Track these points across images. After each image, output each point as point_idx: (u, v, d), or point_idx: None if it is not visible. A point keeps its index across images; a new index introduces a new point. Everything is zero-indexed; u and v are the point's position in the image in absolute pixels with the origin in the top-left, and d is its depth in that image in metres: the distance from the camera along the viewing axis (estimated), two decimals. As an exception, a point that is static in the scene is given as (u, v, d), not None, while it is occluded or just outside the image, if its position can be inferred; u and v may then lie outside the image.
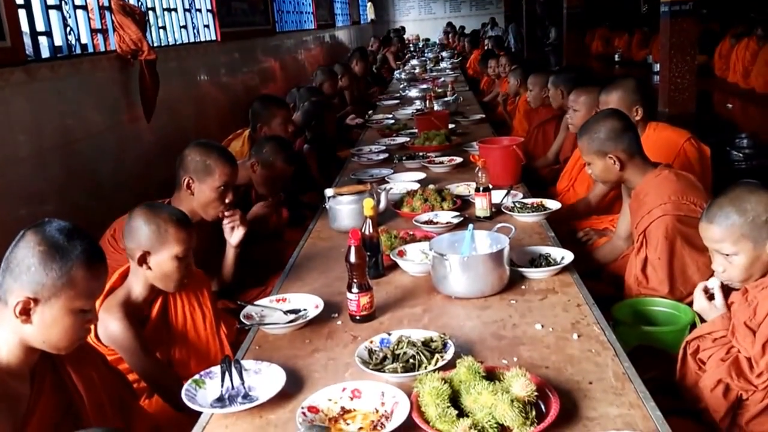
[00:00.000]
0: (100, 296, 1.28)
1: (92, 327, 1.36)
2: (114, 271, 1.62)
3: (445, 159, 3.17)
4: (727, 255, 1.45)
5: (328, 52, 8.74)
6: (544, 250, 1.88)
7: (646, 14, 12.41)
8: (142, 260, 1.55)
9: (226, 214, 2.04)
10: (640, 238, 1.93)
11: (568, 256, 1.82)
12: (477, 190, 2.29)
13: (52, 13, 2.77)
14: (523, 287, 1.72)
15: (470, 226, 1.81)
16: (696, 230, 1.58)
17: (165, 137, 3.46)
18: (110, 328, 1.52)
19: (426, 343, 1.39)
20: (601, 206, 2.56)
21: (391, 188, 2.53)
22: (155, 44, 3.70)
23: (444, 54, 10.05)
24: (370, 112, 5.28)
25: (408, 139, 3.68)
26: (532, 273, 1.76)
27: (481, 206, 2.29)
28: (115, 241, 1.96)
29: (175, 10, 4.07)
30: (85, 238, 1.18)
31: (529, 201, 2.36)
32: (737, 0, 10.61)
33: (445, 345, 1.39)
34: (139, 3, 3.57)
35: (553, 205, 2.30)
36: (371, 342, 1.43)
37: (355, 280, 1.57)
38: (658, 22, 6.45)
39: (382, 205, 2.31)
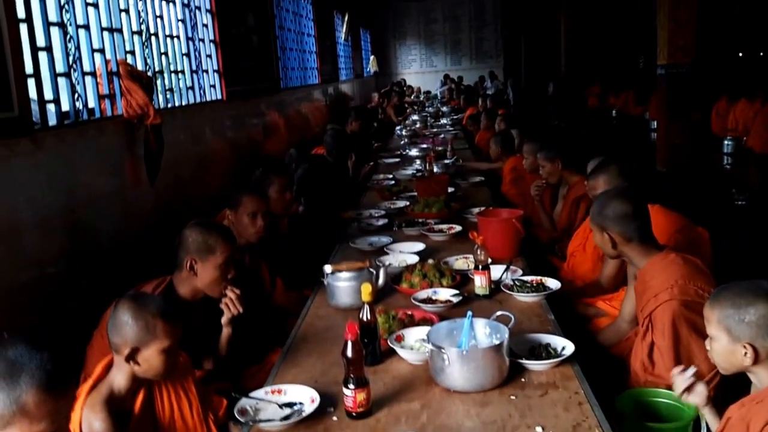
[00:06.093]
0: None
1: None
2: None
3: (444, 227, 3.17)
4: (710, 337, 1.52)
5: (331, 105, 8.91)
6: (545, 339, 1.85)
7: (642, 71, 12.72)
8: (130, 356, 1.52)
9: (226, 292, 2.03)
10: (646, 322, 1.91)
11: (568, 347, 1.79)
12: (476, 268, 2.28)
13: (61, 80, 2.81)
14: (523, 380, 1.69)
15: (469, 314, 1.79)
16: (702, 317, 1.58)
17: (168, 198, 3.49)
18: (94, 427, 1.48)
19: (423, 449, 1.35)
20: (612, 286, 2.54)
21: (389, 264, 2.53)
22: (161, 106, 3.78)
23: (444, 109, 10.23)
24: (370, 164, 5.30)
25: (408, 203, 3.70)
26: (532, 365, 1.73)
27: (480, 284, 2.27)
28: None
29: (183, 72, 4.17)
30: (45, 357, 1.09)
31: (528, 279, 2.35)
32: (734, 60, 10.89)
33: (443, 451, 1.35)
34: (147, 67, 3.66)
35: (553, 284, 2.29)
36: (367, 445, 1.39)
37: (351, 376, 1.54)
38: (655, 79, 6.62)
39: (381, 281, 2.30)
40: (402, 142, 6.75)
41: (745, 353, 1.42)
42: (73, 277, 2.55)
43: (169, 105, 3.93)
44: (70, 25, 2.83)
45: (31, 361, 1.08)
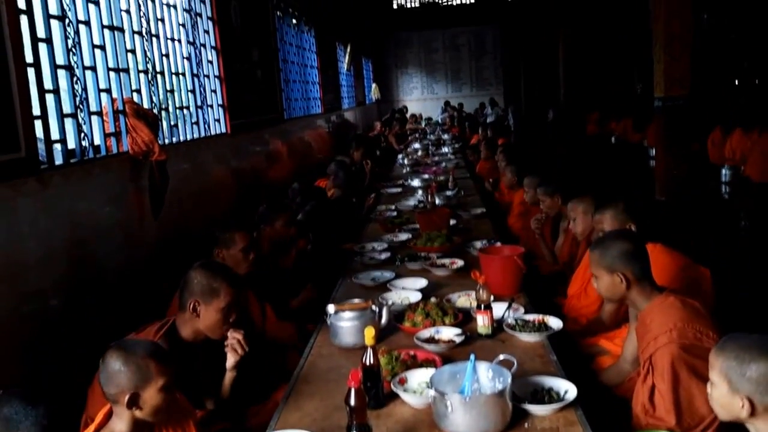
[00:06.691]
0: None
1: None
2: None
3: (446, 261, 3.18)
4: (711, 382, 1.53)
5: (333, 132, 9.01)
6: (548, 382, 1.85)
7: (640, 98, 12.85)
8: (132, 402, 1.52)
9: (228, 335, 2.03)
10: (647, 365, 1.91)
11: (571, 390, 1.78)
12: (478, 307, 2.28)
13: (67, 120, 2.85)
14: (526, 425, 1.68)
15: (472, 357, 1.79)
16: (702, 360, 1.59)
17: (171, 231, 3.51)
18: None
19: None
20: (614, 323, 2.54)
21: (392, 303, 2.53)
22: (166, 141, 3.83)
23: (445, 137, 10.32)
24: (373, 196, 5.36)
25: (410, 236, 3.72)
26: (535, 409, 1.73)
27: (482, 324, 2.28)
28: None
29: (188, 107, 4.23)
30: (41, 412, 1.10)
31: (530, 317, 2.35)
32: (730, 88, 11.01)
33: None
34: (153, 104, 3.72)
35: (555, 323, 2.29)
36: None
37: (354, 423, 1.54)
38: (653, 109, 6.69)
39: (384, 320, 2.31)
40: (404, 171, 6.80)
41: (742, 405, 1.43)
42: (80, 315, 2.56)
43: (174, 140, 3.98)
44: (77, 67, 2.89)
45: (26, 418, 1.10)
